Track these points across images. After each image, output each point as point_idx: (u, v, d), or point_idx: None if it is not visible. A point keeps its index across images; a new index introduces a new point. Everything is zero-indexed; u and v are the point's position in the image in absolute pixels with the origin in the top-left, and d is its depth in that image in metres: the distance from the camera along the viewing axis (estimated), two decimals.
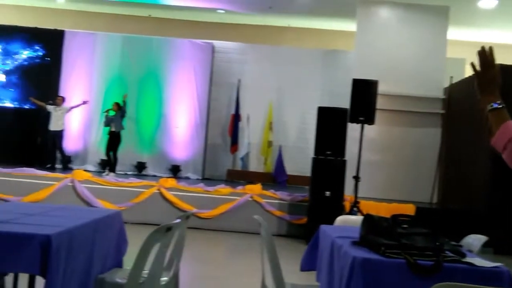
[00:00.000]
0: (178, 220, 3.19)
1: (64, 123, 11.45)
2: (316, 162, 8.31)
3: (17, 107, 12.60)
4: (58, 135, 11.31)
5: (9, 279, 3.46)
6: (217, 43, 12.92)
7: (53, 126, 11.25)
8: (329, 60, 12.73)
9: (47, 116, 11.50)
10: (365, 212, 8.07)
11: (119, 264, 3.73)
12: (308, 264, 3.76)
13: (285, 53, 12.77)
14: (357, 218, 4.15)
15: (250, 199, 8.92)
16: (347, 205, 8.35)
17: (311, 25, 13.09)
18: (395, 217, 2.93)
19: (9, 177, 8.93)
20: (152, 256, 2.95)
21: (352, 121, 8.33)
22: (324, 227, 3.66)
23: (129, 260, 3.80)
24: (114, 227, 3.66)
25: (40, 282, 3.04)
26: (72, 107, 11.61)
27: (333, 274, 3.08)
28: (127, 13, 13.30)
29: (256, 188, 9.10)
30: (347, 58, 12.31)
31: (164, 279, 3.32)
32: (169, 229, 2.98)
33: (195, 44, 12.69)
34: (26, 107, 12.49)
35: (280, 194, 9.04)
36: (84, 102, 11.61)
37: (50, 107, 11.38)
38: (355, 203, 8.19)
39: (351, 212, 7.98)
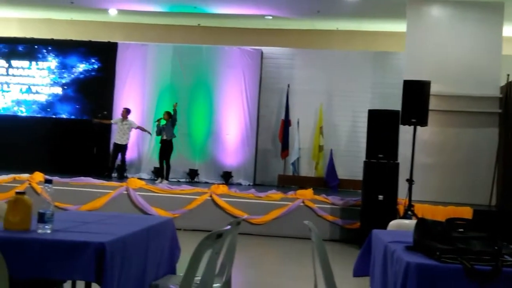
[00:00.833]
0: (228, 227, 3.21)
1: (129, 138, 11.70)
2: (368, 166, 8.19)
3: (73, 118, 13.03)
4: (123, 148, 11.59)
5: (67, 286, 3.56)
6: (265, 49, 12.98)
7: (118, 140, 11.54)
8: (379, 62, 12.58)
9: (104, 127, 11.86)
10: (420, 216, 7.88)
11: (172, 271, 3.77)
12: (361, 270, 3.70)
13: (334, 57, 12.70)
14: (411, 223, 4.05)
15: (301, 204, 8.88)
16: (401, 209, 8.17)
17: (359, 28, 12.94)
18: (450, 220, 2.85)
19: (67, 186, 9.22)
20: (204, 263, 2.97)
21: (404, 123, 8.16)
22: (376, 232, 3.59)
23: (182, 267, 3.85)
24: (167, 234, 3.71)
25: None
26: (138, 127, 11.83)
27: (387, 280, 3.01)
28: (177, 23, 13.53)
29: (308, 193, 9.05)
30: (397, 59, 12.13)
31: (217, 285, 3.34)
32: (219, 235, 2.99)
33: (244, 51, 12.79)
34: (82, 118, 12.90)
35: (332, 198, 8.96)
36: (149, 133, 11.81)
37: (116, 120, 11.66)
38: (409, 207, 8.01)
39: (405, 216, 7.81)
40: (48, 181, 2.84)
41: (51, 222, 2.78)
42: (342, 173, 12.11)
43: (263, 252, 7.93)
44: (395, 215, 7.77)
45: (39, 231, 2.76)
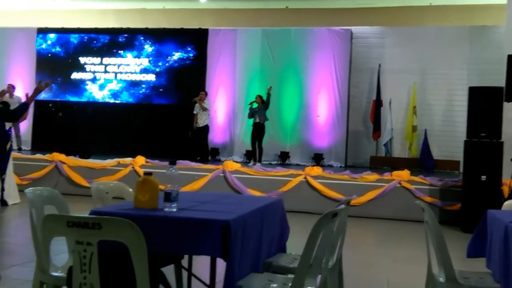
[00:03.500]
0: (342, 206, 3.24)
1: (207, 119, 11.93)
2: (469, 145, 7.91)
3: (169, 104, 13.52)
4: (203, 130, 11.89)
5: (184, 262, 3.75)
6: (355, 28, 12.80)
7: (198, 123, 11.87)
8: (476, 36, 12.02)
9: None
10: None
11: (282, 249, 3.87)
12: (476, 251, 3.62)
13: (428, 33, 12.30)
14: None
15: (398, 185, 8.74)
16: (506, 189, 7.82)
17: (454, 2, 12.38)
18: None
19: (166, 169, 9.58)
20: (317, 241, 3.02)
21: (508, 100, 7.77)
22: (492, 212, 3.50)
23: (289, 245, 3.95)
24: (278, 214, 3.81)
25: (197, 262, 3.28)
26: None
27: (509, 260, 2.94)
28: (265, 7, 13.58)
29: (404, 174, 8.88)
30: (496, 33, 11.55)
31: (329, 263, 3.39)
32: (335, 214, 3.03)
33: (333, 31, 12.67)
34: (177, 104, 13.36)
35: (430, 179, 8.74)
36: (205, 108, 11.89)
37: (195, 107, 11.95)
38: None
39: (510, 197, 7.48)
40: (172, 163, 2.99)
41: (176, 201, 2.94)
42: (437, 153, 11.78)
43: (360, 233, 7.89)
44: (499, 196, 7.47)
45: (166, 209, 2.92)
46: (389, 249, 6.81)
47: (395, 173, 8.99)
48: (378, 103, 12.26)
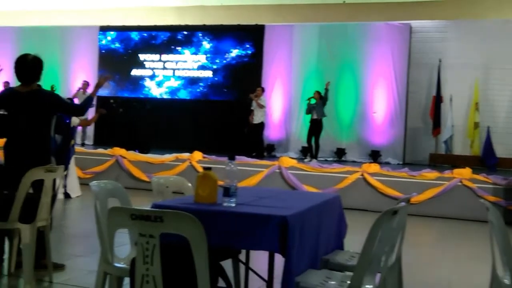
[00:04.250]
0: (403, 203, 3.18)
1: (263, 116, 11.88)
2: None
3: (225, 100, 13.64)
4: (258, 127, 11.91)
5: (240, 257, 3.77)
6: (414, 23, 12.51)
7: (254, 119, 11.89)
8: None
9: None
10: None
11: (340, 246, 3.83)
12: None
13: (491, 26, 11.86)
14: None
15: (459, 183, 8.49)
16: None
17: None
18: None
19: (223, 164, 9.67)
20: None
21: None
22: None
23: (346, 243, 3.90)
24: (335, 210, 3.78)
25: (254, 257, 3.30)
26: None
27: None
28: (322, 2, 13.45)
29: (466, 172, 8.62)
30: None
31: (388, 261, 3.33)
32: (395, 212, 2.97)
33: (392, 26, 12.43)
34: (233, 100, 13.45)
35: (493, 178, 8.44)
36: (261, 106, 11.81)
37: (253, 103, 11.97)
38: None
39: None
40: (231, 158, 3.01)
41: (235, 196, 2.96)
42: (500, 151, 11.37)
43: (420, 232, 7.71)
44: None
45: (225, 204, 2.94)
46: (450, 249, 6.63)
47: (456, 171, 8.74)
48: (438, 99, 11.96)
